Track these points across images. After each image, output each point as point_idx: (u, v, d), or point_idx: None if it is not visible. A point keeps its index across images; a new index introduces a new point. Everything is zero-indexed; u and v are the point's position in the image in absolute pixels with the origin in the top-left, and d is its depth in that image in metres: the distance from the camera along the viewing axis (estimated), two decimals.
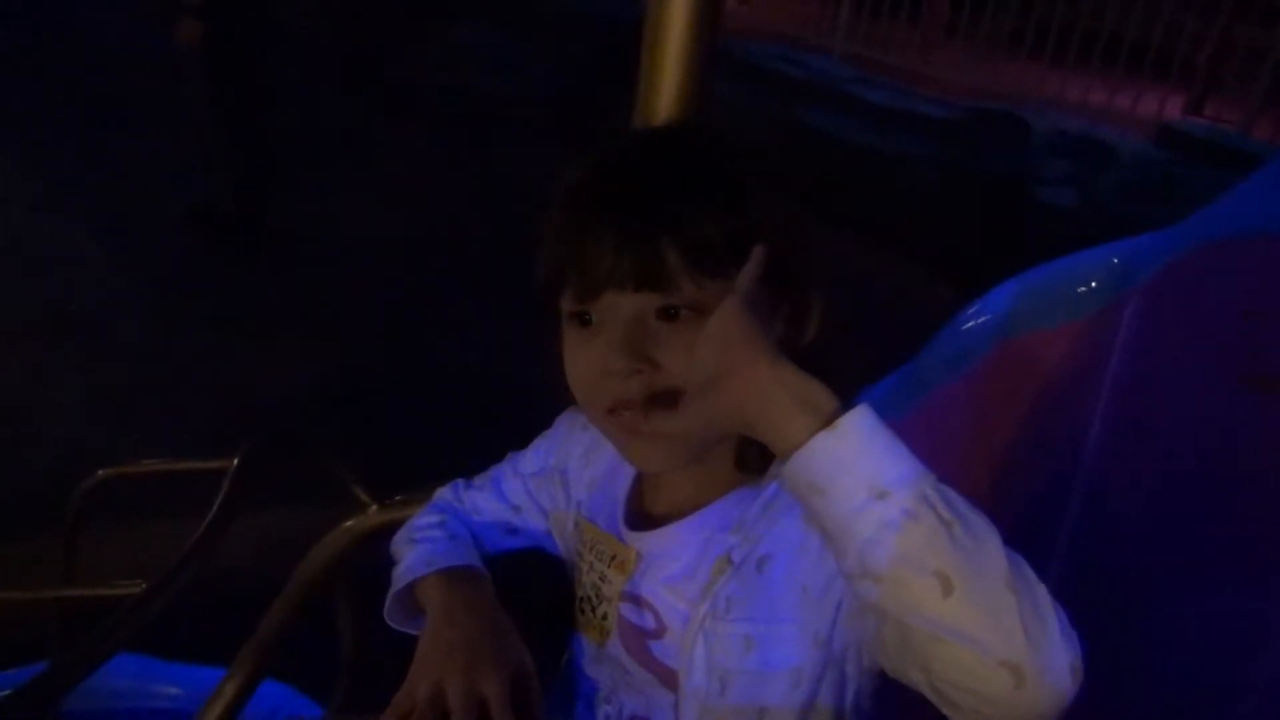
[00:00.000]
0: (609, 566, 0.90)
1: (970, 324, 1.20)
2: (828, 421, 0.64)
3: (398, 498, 1.23)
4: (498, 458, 1.07)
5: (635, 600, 0.88)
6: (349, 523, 1.24)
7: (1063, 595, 1.15)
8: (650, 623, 0.86)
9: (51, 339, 3.66)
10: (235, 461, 1.15)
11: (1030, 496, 1.18)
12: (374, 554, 1.15)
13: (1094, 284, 1.13)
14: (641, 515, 0.90)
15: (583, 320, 0.80)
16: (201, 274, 4.41)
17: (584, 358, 0.80)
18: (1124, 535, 1.11)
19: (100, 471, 1.24)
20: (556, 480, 0.99)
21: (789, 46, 6.98)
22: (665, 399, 0.76)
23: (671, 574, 0.85)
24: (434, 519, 1.03)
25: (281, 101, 5.09)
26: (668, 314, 0.76)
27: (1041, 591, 0.63)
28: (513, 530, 1.04)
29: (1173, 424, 1.07)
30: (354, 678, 1.32)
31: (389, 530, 1.11)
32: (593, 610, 0.92)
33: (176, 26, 4.19)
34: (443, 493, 1.08)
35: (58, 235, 4.52)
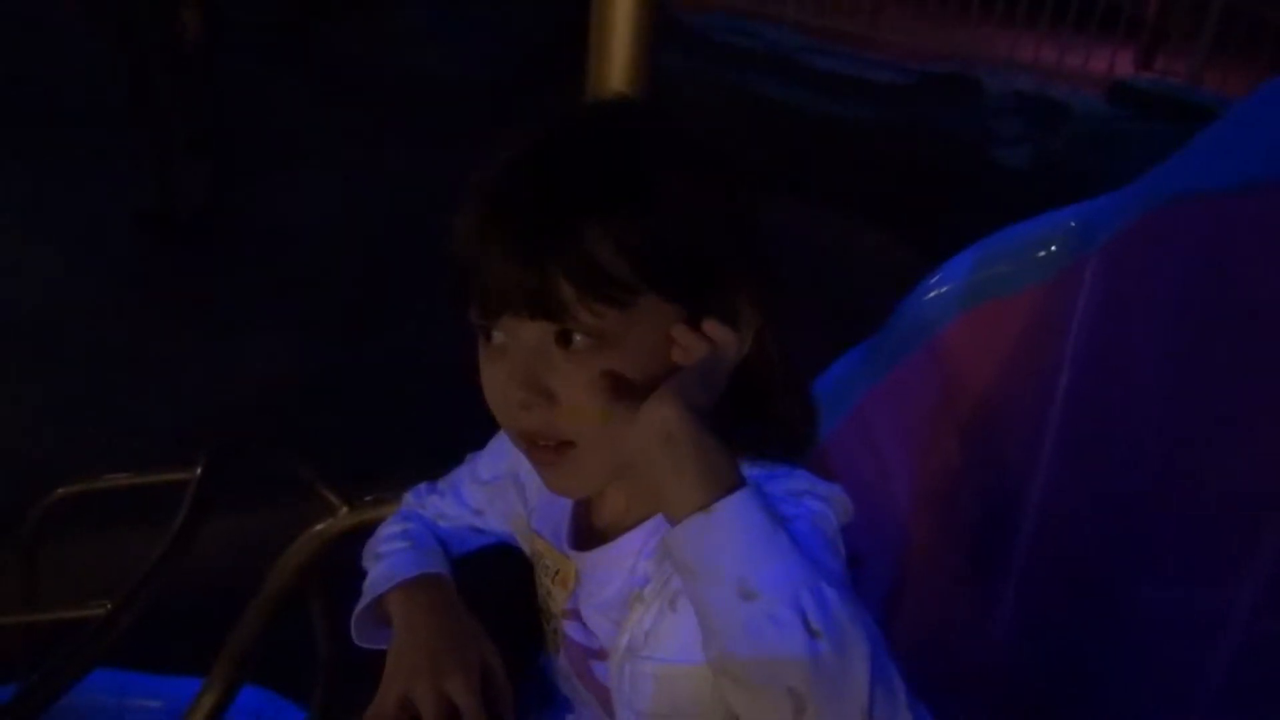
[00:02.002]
0: (553, 582, 0.88)
1: (932, 294, 1.20)
2: (714, 496, 0.61)
3: (368, 498, 1.21)
4: (467, 446, 1.06)
5: (578, 618, 0.86)
6: (320, 526, 1.22)
7: (1030, 565, 1.16)
8: (594, 643, 0.85)
9: (3, 347, 3.58)
10: (198, 471, 1.13)
11: (998, 464, 1.19)
12: (347, 556, 1.14)
13: (1053, 248, 1.13)
14: (584, 529, 0.88)
15: (487, 334, 0.77)
16: (157, 273, 4.33)
17: (490, 378, 0.77)
18: (1090, 503, 1.12)
19: (59, 490, 1.22)
20: (511, 486, 0.98)
21: (739, 17, 6.95)
22: (562, 444, 0.75)
23: (603, 600, 0.83)
24: (397, 528, 1.02)
25: (234, 90, 5.00)
26: (565, 339, 0.72)
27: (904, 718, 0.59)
28: (479, 531, 1.04)
29: (1136, 386, 1.08)
30: (333, 680, 1.31)
31: (361, 531, 1.10)
32: (547, 623, 0.92)
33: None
34: (407, 499, 1.08)
35: (5, 237, 4.41)
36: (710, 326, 0.72)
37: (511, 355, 0.74)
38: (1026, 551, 1.16)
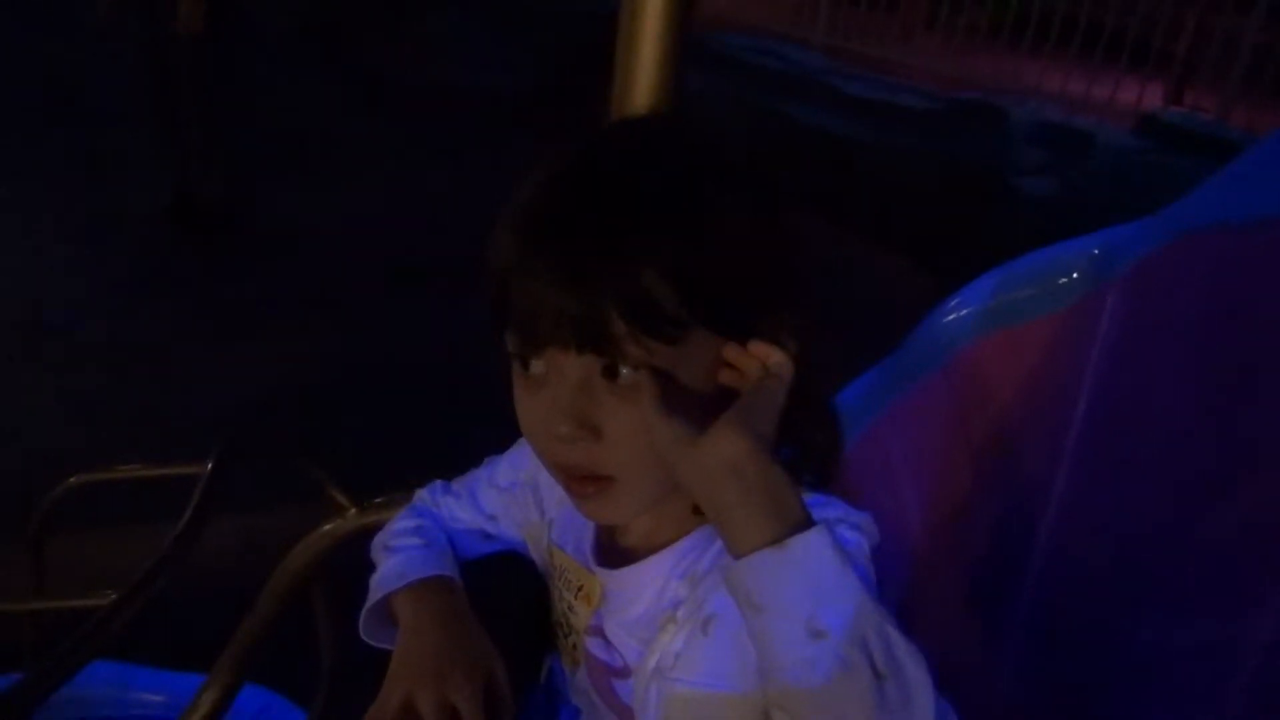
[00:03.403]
0: (576, 597, 0.88)
1: (951, 316, 1.19)
2: (786, 532, 0.60)
3: (377, 500, 1.21)
4: (482, 451, 1.06)
5: (601, 635, 0.85)
6: (328, 525, 1.23)
7: (1042, 593, 1.15)
8: (617, 660, 0.84)
9: (21, 342, 3.61)
10: (209, 466, 1.14)
11: (1012, 490, 1.18)
12: (353, 556, 1.14)
13: (1074, 275, 1.12)
14: (610, 546, 0.87)
15: (525, 364, 0.75)
16: (175, 272, 4.36)
17: (529, 408, 0.76)
18: (1103, 532, 1.11)
19: (71, 478, 1.22)
20: (529, 494, 0.97)
21: (768, 39, 6.97)
22: (602, 478, 0.74)
23: (630, 618, 0.82)
24: (410, 524, 1.01)
25: (259, 94, 5.04)
26: (611, 372, 0.71)
27: None
28: (489, 537, 1.03)
29: (1152, 416, 1.07)
30: (335, 681, 1.31)
31: (368, 533, 1.10)
32: (564, 637, 0.91)
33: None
34: (421, 495, 1.07)
35: (26, 234, 4.46)
36: (760, 348, 0.71)
37: (554, 387, 0.73)
38: (1038, 578, 1.15)
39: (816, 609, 0.59)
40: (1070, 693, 1.15)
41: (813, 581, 0.60)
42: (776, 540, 0.61)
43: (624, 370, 0.70)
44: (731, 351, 0.71)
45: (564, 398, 0.72)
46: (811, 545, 0.61)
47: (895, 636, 0.59)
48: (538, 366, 0.74)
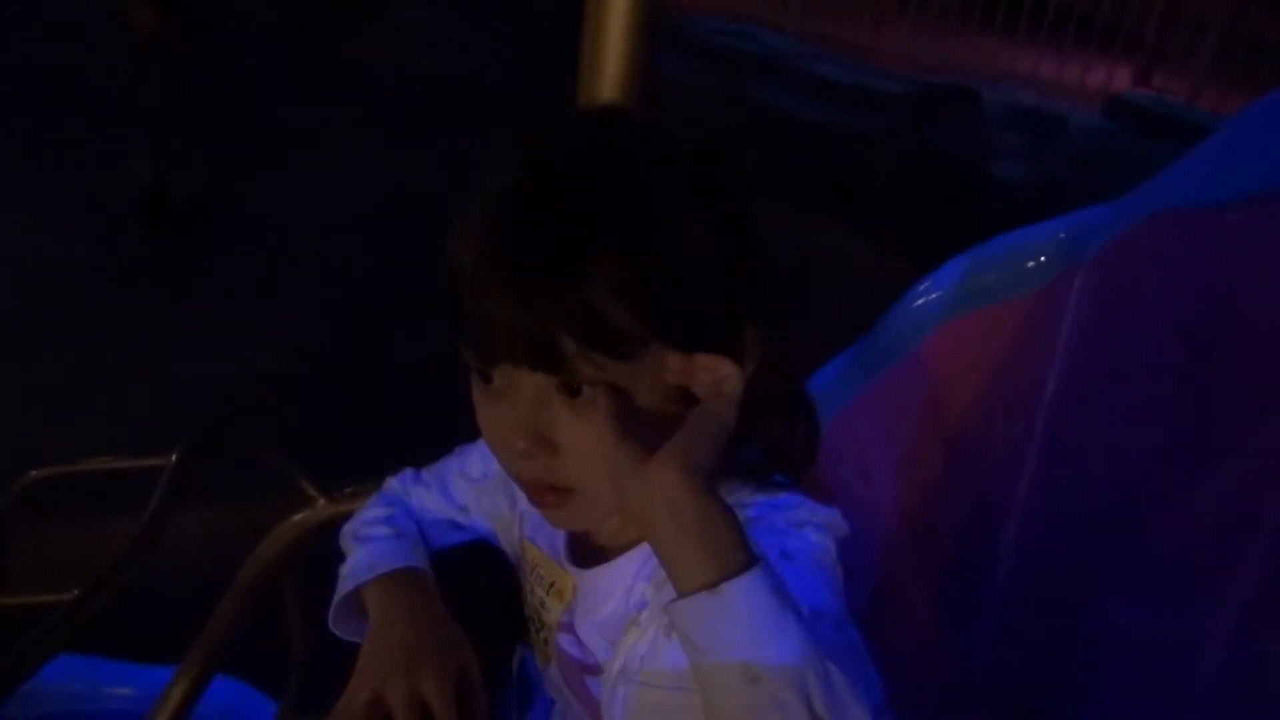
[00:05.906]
0: (548, 593, 0.87)
1: (921, 300, 1.19)
2: (722, 575, 0.59)
3: (346, 490, 1.20)
4: (454, 443, 1.05)
5: (573, 633, 0.84)
6: (297, 516, 1.22)
7: (1012, 578, 1.16)
8: (589, 658, 0.83)
9: None
10: (174, 458, 1.12)
11: (984, 472, 1.19)
12: (323, 547, 1.13)
13: (1043, 258, 1.12)
14: (582, 543, 0.86)
15: (483, 375, 0.74)
16: (143, 263, 4.31)
17: (487, 419, 0.75)
18: (1073, 517, 1.11)
19: (33, 472, 1.20)
20: (500, 487, 0.96)
21: (740, 23, 6.96)
22: (563, 489, 0.74)
23: (599, 619, 0.81)
24: (381, 513, 1.00)
25: (227, 84, 4.98)
26: (568, 389, 0.69)
27: None
28: (459, 527, 1.02)
29: (1121, 400, 1.08)
30: (306, 672, 1.30)
31: (338, 523, 1.09)
32: (536, 632, 0.90)
33: (130, 15, 4.08)
34: (392, 484, 1.06)
35: None
36: (707, 360, 0.69)
37: (511, 402, 0.72)
38: (1010, 560, 1.15)
39: (752, 653, 0.58)
40: (1040, 673, 1.16)
41: (748, 626, 0.59)
42: (711, 585, 0.59)
43: (579, 386, 0.69)
44: (675, 363, 0.70)
45: (519, 413, 0.71)
46: (747, 589, 0.59)
47: (836, 675, 0.58)
48: (494, 379, 0.73)
